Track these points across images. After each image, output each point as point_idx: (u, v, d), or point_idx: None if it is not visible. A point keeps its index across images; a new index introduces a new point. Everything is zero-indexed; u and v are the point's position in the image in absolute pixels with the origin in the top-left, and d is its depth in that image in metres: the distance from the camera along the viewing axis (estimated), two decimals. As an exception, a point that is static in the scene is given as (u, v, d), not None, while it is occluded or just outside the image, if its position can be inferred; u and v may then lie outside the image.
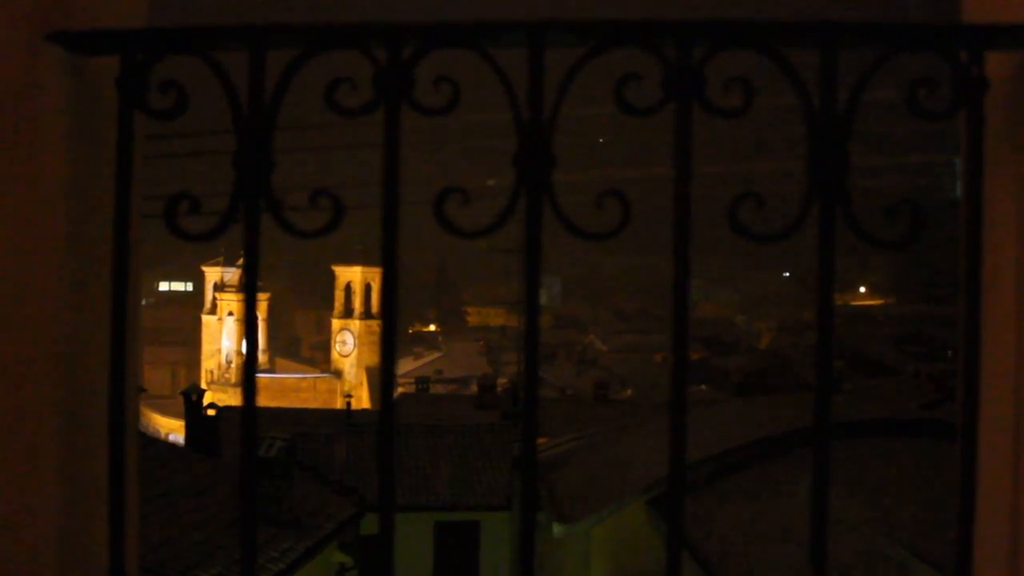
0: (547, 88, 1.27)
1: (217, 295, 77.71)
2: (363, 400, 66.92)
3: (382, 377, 1.38)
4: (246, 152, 1.29)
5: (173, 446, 25.20)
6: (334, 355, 77.94)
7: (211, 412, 26.21)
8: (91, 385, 1.41)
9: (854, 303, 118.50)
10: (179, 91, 1.32)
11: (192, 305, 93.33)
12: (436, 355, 77.73)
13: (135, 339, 1.35)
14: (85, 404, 1.42)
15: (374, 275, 73.34)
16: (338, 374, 76.40)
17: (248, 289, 1.29)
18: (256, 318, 1.34)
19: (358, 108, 1.27)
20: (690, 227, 1.28)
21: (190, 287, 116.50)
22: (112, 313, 1.25)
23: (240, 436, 1.42)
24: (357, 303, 75.78)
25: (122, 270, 1.26)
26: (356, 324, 75.53)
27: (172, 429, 58.53)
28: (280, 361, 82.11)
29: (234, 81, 1.32)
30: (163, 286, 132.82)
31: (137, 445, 1.46)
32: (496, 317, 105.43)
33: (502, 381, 46.07)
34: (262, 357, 75.78)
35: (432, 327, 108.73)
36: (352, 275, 75.97)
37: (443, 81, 1.24)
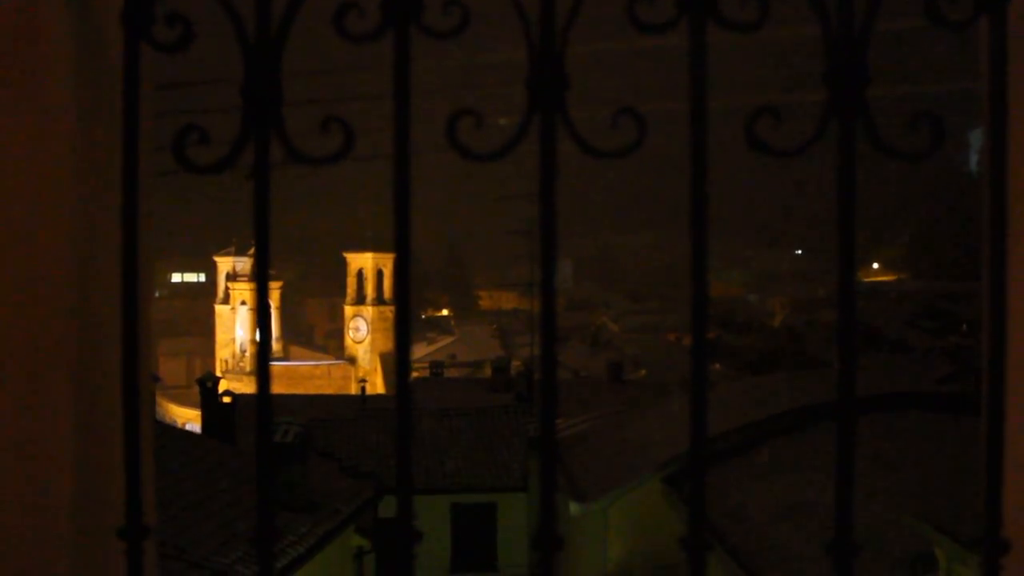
0: (558, 8, 1.24)
1: (230, 285, 77.90)
2: (377, 386, 67.09)
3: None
4: (254, 81, 1.28)
5: (190, 433, 25.33)
6: (347, 342, 78.11)
7: (226, 400, 26.34)
8: (103, 328, 1.41)
9: (867, 279, 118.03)
10: (185, 24, 1.30)
11: (205, 296, 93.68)
12: (449, 340, 77.84)
13: (147, 279, 1.34)
14: (98, 349, 1.42)
15: (386, 261, 73.41)
16: (352, 361, 76.59)
17: (259, 222, 1.27)
18: (268, 253, 1.33)
19: (367, 33, 1.25)
20: (707, 155, 1.25)
21: (202, 278, 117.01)
22: (123, 243, 1.24)
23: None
24: (369, 289, 75.86)
25: (132, 203, 1.25)
26: (369, 311, 75.67)
27: (188, 419, 58.76)
28: (294, 349, 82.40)
29: (240, 12, 1.30)
30: (175, 277, 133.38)
31: (150, 396, 1.45)
32: (508, 301, 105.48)
33: (516, 364, 46.11)
34: (276, 345, 76.02)
35: (445, 312, 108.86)
36: (364, 262, 76.02)
37: (453, 4, 1.22)
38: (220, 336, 79.91)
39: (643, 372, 52.32)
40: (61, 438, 1.41)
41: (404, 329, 1.34)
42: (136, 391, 1.24)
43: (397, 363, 1.36)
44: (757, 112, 1.17)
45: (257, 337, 1.40)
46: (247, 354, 75.17)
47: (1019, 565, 1.27)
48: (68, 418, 1.40)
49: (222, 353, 78.67)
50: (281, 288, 77.24)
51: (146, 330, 1.34)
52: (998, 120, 1.29)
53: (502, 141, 1.31)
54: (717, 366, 48.07)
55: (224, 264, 79.86)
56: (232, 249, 77.73)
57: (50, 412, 1.39)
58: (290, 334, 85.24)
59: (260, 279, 1.27)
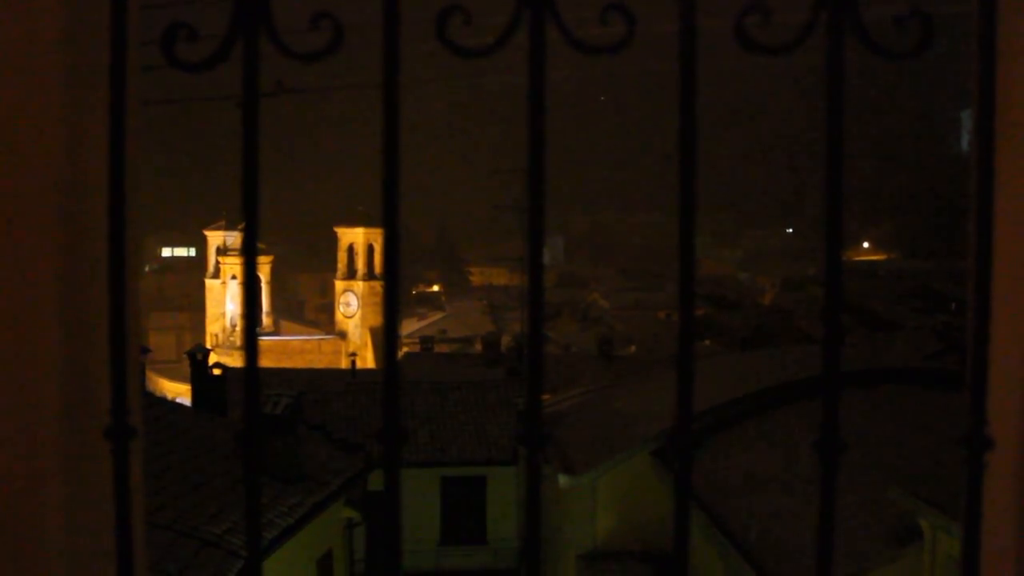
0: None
1: (220, 259, 77.69)
2: (368, 360, 67.10)
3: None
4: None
5: (180, 405, 25.29)
6: (338, 317, 78.12)
7: (217, 372, 26.26)
8: (89, 229, 1.40)
9: (857, 259, 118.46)
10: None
11: (195, 270, 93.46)
12: (440, 315, 77.88)
13: (133, 167, 1.34)
14: (84, 250, 1.42)
15: (376, 236, 73.24)
16: (342, 335, 76.63)
17: (248, 131, 1.27)
18: (257, 158, 1.32)
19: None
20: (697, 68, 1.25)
21: (193, 252, 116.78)
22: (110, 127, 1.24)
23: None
24: (360, 264, 75.79)
25: (120, 99, 1.25)
26: (359, 285, 75.62)
27: (179, 393, 58.72)
28: (284, 323, 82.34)
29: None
30: (166, 252, 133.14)
31: (136, 300, 1.46)
32: (499, 276, 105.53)
33: (506, 340, 46.18)
34: (266, 320, 75.94)
35: (435, 288, 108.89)
36: (354, 236, 75.92)
37: None
38: (210, 311, 79.78)
39: (633, 348, 52.43)
40: (48, 340, 1.41)
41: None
42: (123, 292, 1.24)
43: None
44: (745, 9, 1.17)
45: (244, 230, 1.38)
46: (237, 328, 75.07)
47: (1002, 461, 1.29)
48: (55, 320, 1.40)
49: (212, 328, 78.55)
50: (271, 263, 77.10)
51: (133, 233, 1.34)
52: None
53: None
54: (707, 342, 48.19)
55: (215, 238, 79.58)
56: (223, 223, 77.43)
57: (36, 315, 1.40)
58: (280, 308, 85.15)
59: (249, 182, 1.27)
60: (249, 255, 1.41)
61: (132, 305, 1.32)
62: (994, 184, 1.30)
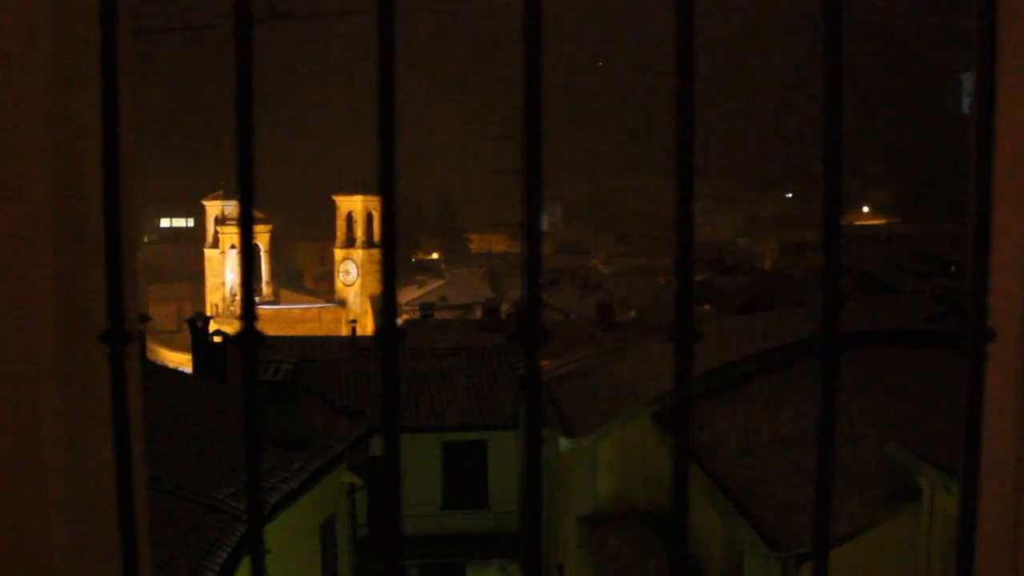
0: None
1: (219, 229, 77.55)
2: (367, 328, 67.16)
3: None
4: None
5: (181, 373, 25.39)
6: (338, 285, 78.12)
7: (217, 339, 26.32)
8: (84, 144, 1.40)
9: (857, 223, 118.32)
10: None
11: (194, 240, 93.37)
12: (439, 282, 77.91)
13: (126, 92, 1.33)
14: (79, 160, 1.42)
15: (375, 204, 73.00)
16: (342, 303, 76.67)
17: (241, 55, 1.25)
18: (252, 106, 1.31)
19: None
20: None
21: (191, 223, 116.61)
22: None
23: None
24: (359, 232, 75.68)
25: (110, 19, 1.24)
26: (359, 253, 75.56)
27: (180, 363, 58.74)
28: (284, 293, 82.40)
29: None
30: (164, 223, 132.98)
31: (131, 207, 1.45)
32: (499, 243, 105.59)
33: (506, 306, 46.19)
34: (266, 289, 75.96)
35: (435, 255, 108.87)
36: (353, 204, 75.78)
37: None
38: (210, 280, 79.80)
39: (632, 314, 52.45)
40: (41, 248, 1.41)
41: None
42: (117, 195, 1.23)
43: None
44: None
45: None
46: (237, 298, 75.04)
47: (1002, 354, 1.30)
48: (48, 230, 1.40)
49: (212, 297, 78.61)
50: (271, 232, 77.00)
51: (127, 135, 1.34)
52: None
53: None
54: (706, 307, 48.19)
55: (213, 208, 79.44)
56: (220, 193, 77.26)
57: (31, 225, 1.40)
58: (280, 278, 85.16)
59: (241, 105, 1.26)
60: (244, 165, 1.40)
61: (127, 208, 1.32)
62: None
